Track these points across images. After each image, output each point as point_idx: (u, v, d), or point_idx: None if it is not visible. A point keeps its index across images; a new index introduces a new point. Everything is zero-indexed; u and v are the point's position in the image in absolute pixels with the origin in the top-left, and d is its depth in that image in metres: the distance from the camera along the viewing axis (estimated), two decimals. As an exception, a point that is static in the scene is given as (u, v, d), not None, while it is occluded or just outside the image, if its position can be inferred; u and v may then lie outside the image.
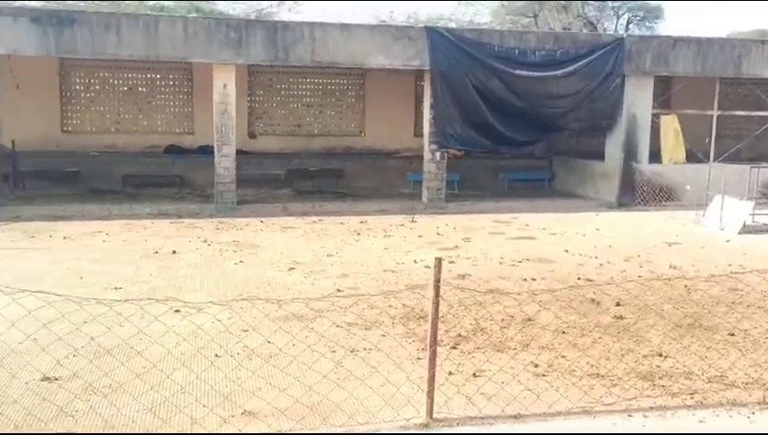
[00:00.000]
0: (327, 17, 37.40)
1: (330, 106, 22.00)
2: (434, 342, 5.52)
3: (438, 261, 5.55)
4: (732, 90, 19.40)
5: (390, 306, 8.21)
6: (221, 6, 34.27)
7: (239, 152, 17.13)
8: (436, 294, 5.50)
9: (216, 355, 6.44)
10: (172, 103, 20.86)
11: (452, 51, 16.51)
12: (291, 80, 21.53)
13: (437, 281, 5.52)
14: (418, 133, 19.82)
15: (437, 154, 17.27)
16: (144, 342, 6.47)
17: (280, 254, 11.45)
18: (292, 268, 10.38)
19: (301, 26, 16.33)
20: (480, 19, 38.07)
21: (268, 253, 11.53)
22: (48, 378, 5.86)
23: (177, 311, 7.32)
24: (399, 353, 6.63)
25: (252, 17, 29.65)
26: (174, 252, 11.41)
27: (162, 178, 18.37)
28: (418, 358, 6.50)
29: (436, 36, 16.56)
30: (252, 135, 21.28)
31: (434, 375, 5.46)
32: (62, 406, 5.36)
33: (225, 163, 16.16)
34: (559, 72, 17.09)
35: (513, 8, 37.63)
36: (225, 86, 15.94)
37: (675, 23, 62.58)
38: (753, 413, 5.49)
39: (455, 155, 18.61)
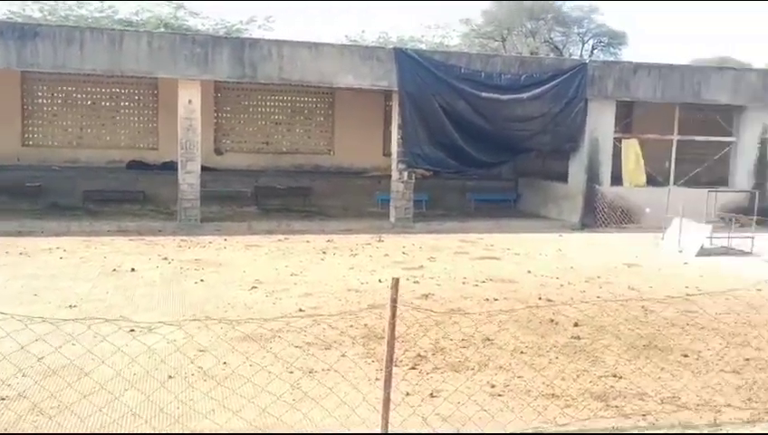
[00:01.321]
0: (300, 35, 37.56)
1: (298, 124, 22.02)
2: (390, 362, 5.50)
3: (396, 281, 5.54)
4: (691, 115, 19.83)
5: (351, 326, 8.17)
6: (191, 23, 34.15)
7: (205, 169, 17.02)
8: (393, 315, 5.49)
9: (169, 376, 6.34)
10: (136, 118, 20.69)
11: (420, 72, 16.66)
12: (259, 97, 21.52)
13: (394, 301, 5.51)
14: (387, 153, 19.91)
15: (405, 174, 17.35)
16: (94, 362, 6.34)
17: (242, 272, 11.35)
18: (254, 287, 10.29)
19: (269, 44, 16.35)
20: (449, 42, 38.53)
21: (230, 271, 11.42)
22: (-6, 398, 5.71)
23: (132, 330, 7.20)
24: (357, 374, 6.59)
25: (220, 34, 29.58)
26: (133, 270, 11.25)
27: (124, 194, 18.16)
28: (377, 379, 6.47)
29: (404, 57, 16.71)
30: (218, 151, 21.18)
31: (389, 396, 5.43)
32: (7, 427, 5.22)
33: (189, 179, 16.03)
34: (524, 96, 17.34)
35: (482, 32, 38.17)
36: (190, 102, 15.86)
37: (639, 49, 64.02)
38: (704, 435, 5.56)
39: (423, 175, 18.72)
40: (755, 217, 15.64)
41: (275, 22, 35.04)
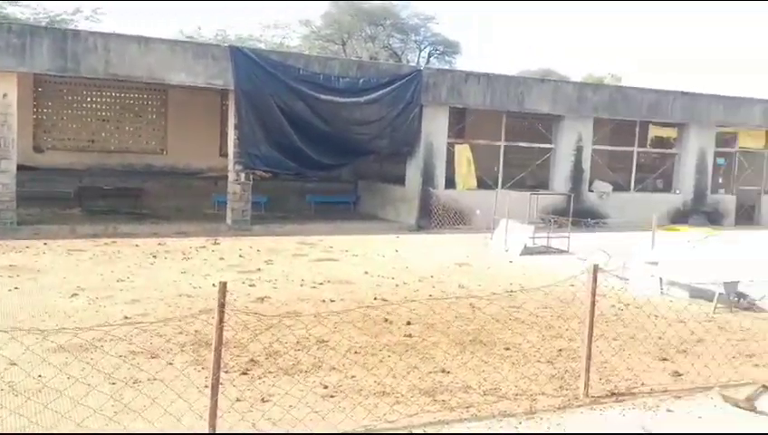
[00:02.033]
0: (133, 30, 35.65)
1: (128, 121, 20.92)
2: (217, 368, 5.36)
3: (223, 285, 5.41)
4: (517, 122, 21.15)
5: (180, 333, 7.87)
6: (9, 11, 31.39)
7: (22, 168, 15.70)
8: (221, 320, 5.36)
9: (-28, 394, 5.77)
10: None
11: (256, 71, 16.42)
12: (84, 92, 20.21)
13: (222, 306, 5.37)
14: (224, 153, 19.45)
15: (243, 175, 17.01)
16: None
17: (62, 279, 10.58)
18: (76, 294, 9.63)
19: (94, 36, 15.40)
20: (290, 42, 38.36)
21: (49, 278, 10.62)
22: None
23: (-72, 345, 6.47)
24: (185, 383, 6.34)
25: (42, 24, 27.45)
26: (-66, 278, 10.14)
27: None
28: (205, 386, 6.25)
29: (240, 56, 16.39)
30: (38, 149, 19.63)
31: (216, 403, 5.29)
32: None
33: (3, 179, 14.72)
34: (362, 99, 17.62)
35: (322, 35, 38.36)
36: (5, 96, 14.59)
37: (474, 59, 67.36)
38: (521, 423, 5.91)
39: (261, 176, 18.45)
40: (571, 219, 16.94)
41: (105, 14, 32.96)
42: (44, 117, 19.97)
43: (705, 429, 5.97)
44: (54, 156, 19.64)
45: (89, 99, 20.37)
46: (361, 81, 17.73)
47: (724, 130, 23.67)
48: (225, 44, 18.25)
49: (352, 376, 6.80)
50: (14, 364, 6.49)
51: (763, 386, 7.01)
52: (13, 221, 14.81)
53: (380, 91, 17.81)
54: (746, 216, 24.14)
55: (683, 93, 22.64)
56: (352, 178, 22.08)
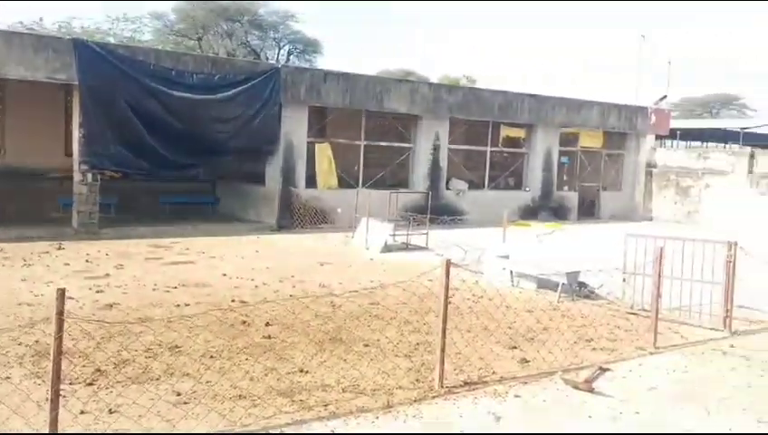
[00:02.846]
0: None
1: (-42, 118, 19.14)
2: (57, 380, 5.03)
3: (62, 292, 5.08)
4: (377, 122, 21.46)
5: (19, 344, 7.31)
6: None
7: None
8: (60, 329, 5.03)
9: None
10: None
11: (103, 66, 15.56)
12: None
13: (60, 313, 5.04)
14: (70, 152, 18.25)
15: (90, 175, 16.07)
16: None
17: None
18: None
19: None
20: (142, 37, 36.73)
21: None
22: None
23: None
24: (22, 397, 5.89)
25: None
26: None
27: None
28: (47, 399, 5.84)
29: (85, 49, 15.46)
30: None
31: (56, 417, 4.96)
32: None
33: None
34: (218, 96, 17.17)
35: (176, 29, 37.03)
36: None
37: (334, 58, 67.78)
38: (378, 418, 5.98)
39: (111, 177, 17.50)
40: (429, 216, 17.42)
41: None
42: None
43: (549, 411, 6.32)
44: None
45: None
46: (217, 77, 17.27)
47: (566, 131, 25.30)
48: (68, 37, 17.14)
49: (207, 381, 6.60)
50: None
51: (600, 368, 7.55)
52: None
53: (237, 89, 17.43)
54: (588, 211, 25.94)
55: (530, 96, 23.93)
56: (211, 178, 21.46)
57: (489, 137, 23.63)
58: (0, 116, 19.57)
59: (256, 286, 11.23)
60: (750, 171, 24.32)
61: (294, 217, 18.69)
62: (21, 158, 19.40)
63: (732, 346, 8.80)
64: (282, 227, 18.50)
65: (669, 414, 6.39)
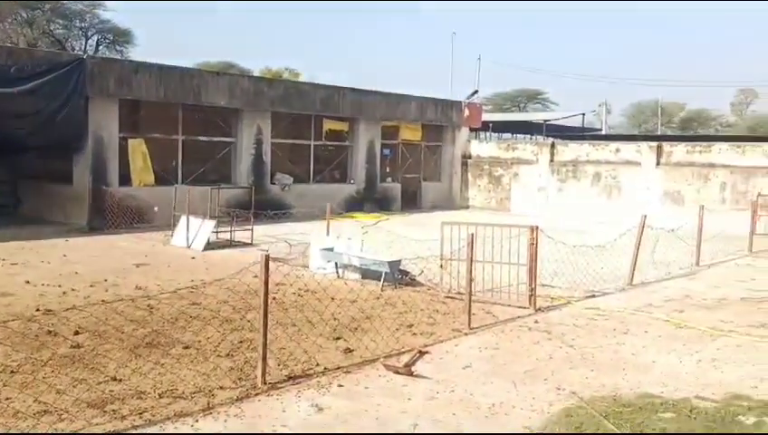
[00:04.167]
0: None
1: None
2: None
3: None
4: (196, 116, 20.75)
5: None
6: None
7: None
8: None
9: None
10: None
11: None
12: None
13: None
14: None
15: None
16: None
17: None
18: None
19: None
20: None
21: None
22: None
23: None
24: None
25: None
26: None
27: None
28: None
29: None
30: None
31: None
32: None
33: None
34: (15, 90, 15.74)
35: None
36: None
37: (151, 49, 64.62)
38: (197, 421, 5.79)
39: None
40: (253, 211, 17.15)
41: None
42: None
43: (372, 397, 6.47)
44: None
45: None
46: (13, 69, 15.81)
47: (388, 124, 26.04)
48: None
49: (6, 398, 6.04)
50: None
51: (419, 351, 7.85)
52: None
53: (37, 81, 16.07)
54: (411, 201, 26.90)
55: (352, 90, 24.32)
56: (10, 177, 19.65)
57: (312, 130, 23.73)
58: None
59: (64, 293, 10.45)
60: (551, 160, 26.46)
61: (108, 216, 17.59)
62: None
63: (536, 322, 9.53)
64: (93, 228, 17.34)
65: (480, 389, 6.78)
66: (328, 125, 24.23)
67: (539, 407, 6.36)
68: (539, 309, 10.17)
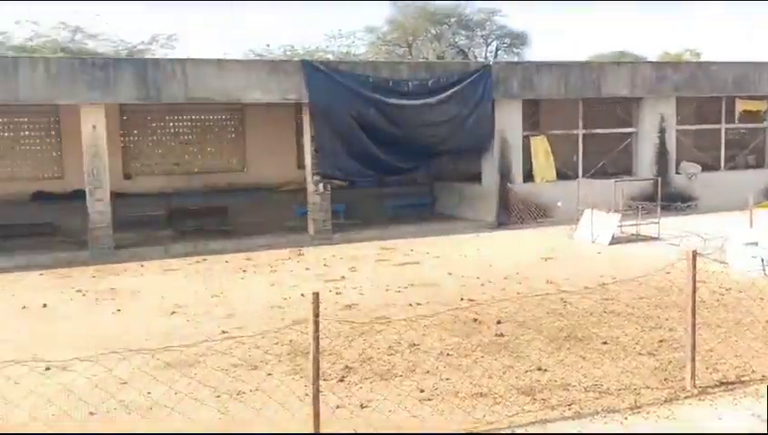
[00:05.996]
0: (205, 52, 36.86)
1: (209, 142, 21.56)
2: (316, 378, 5.46)
3: (316, 295, 5.51)
4: (596, 109, 20.60)
5: (277, 344, 8.06)
6: (90, 46, 33.00)
7: (115, 194, 16.44)
8: (316, 329, 5.45)
9: (90, 413, 6.07)
10: (38, 147, 19.79)
11: (328, 83, 16.63)
12: (167, 117, 20.96)
13: (316, 316, 5.47)
14: (302, 165, 19.74)
15: (321, 186, 17.24)
16: (6, 407, 6.00)
17: (161, 298, 11.00)
18: (174, 313, 10.01)
19: (172, 63, 15.97)
20: (356, 50, 38.74)
21: (148, 298, 11.06)
22: None
23: (48, 369, 6.85)
24: (285, 392, 6.49)
25: (122, 55, 28.73)
26: (44, 305, 10.72)
27: (31, 228, 17.28)
28: (306, 395, 6.37)
29: (312, 69, 16.64)
30: (127, 176, 20.50)
31: (318, 412, 5.39)
32: None
33: (98, 207, 15.42)
34: (433, 100, 17.56)
35: (388, 39, 38.54)
36: (94, 127, 15.29)
37: (541, 48, 66.24)
38: (626, 418, 5.75)
39: (339, 185, 18.65)
40: (660, 203, 16.36)
41: (178, 40, 33.92)
42: (131, 144, 20.82)
43: (827, 415, 5.64)
44: (143, 181, 20.44)
45: (171, 124, 21.13)
46: (431, 81, 17.67)
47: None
48: (296, 59, 18.58)
49: (447, 378, 6.78)
50: (125, 383, 6.80)
51: None
52: (110, 246, 15.49)
53: (450, 91, 17.69)
54: None
55: (770, 63, 21.51)
56: (428, 179, 22.02)
57: (723, 113, 21.64)
58: (241, 137, 21.74)
59: (482, 284, 11.31)
60: None
61: (512, 213, 18.52)
62: (260, 173, 21.40)
63: None
64: (500, 223, 18.43)
65: None
66: (742, 106, 21.82)
67: None
68: None
